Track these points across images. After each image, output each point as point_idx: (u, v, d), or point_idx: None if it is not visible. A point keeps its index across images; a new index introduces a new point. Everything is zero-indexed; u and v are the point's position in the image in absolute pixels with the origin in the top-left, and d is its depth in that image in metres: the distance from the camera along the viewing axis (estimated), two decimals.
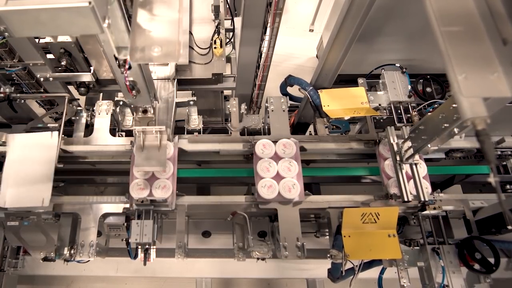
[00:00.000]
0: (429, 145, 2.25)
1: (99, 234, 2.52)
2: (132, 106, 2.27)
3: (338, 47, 2.42)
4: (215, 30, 2.87)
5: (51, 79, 2.60)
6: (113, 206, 2.53)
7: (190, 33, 2.91)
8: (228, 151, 2.69)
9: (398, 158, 2.44)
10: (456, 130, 1.91)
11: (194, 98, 2.74)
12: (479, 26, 1.31)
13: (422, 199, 2.35)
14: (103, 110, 2.77)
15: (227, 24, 3.10)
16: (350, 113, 2.62)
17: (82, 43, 2.41)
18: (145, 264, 2.47)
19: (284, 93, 3.25)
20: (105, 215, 2.54)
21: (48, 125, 2.84)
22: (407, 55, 3.10)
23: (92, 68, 2.59)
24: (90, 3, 1.16)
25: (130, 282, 3.89)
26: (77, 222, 2.58)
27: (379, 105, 2.71)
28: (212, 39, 2.85)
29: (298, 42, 4.99)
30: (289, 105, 2.84)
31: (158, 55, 1.38)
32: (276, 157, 2.56)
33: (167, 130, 2.47)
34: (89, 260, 2.57)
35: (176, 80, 2.68)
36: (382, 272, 2.48)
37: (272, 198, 2.43)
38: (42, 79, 2.61)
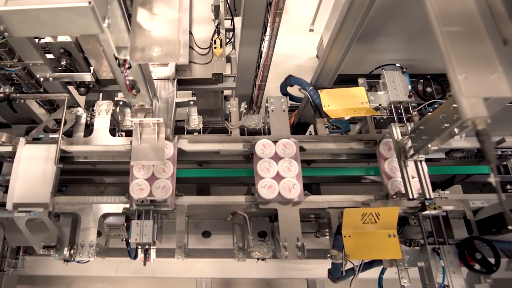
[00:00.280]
0: (429, 145, 2.25)
1: (99, 234, 2.51)
2: (132, 105, 2.27)
3: (338, 47, 2.42)
4: (215, 30, 2.87)
5: (51, 79, 2.59)
6: (113, 206, 2.52)
7: (190, 33, 2.91)
8: (228, 151, 2.69)
9: (402, 155, 2.42)
10: (456, 130, 1.91)
11: (194, 98, 2.74)
12: (480, 26, 1.31)
13: (428, 196, 2.30)
14: (103, 110, 2.77)
15: (227, 24, 3.10)
16: (350, 113, 2.62)
17: (82, 43, 2.41)
18: (145, 264, 2.47)
19: (284, 93, 3.24)
20: (105, 215, 2.54)
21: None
22: (408, 55, 3.09)
23: (92, 68, 2.58)
24: (90, 3, 1.16)
25: (130, 282, 3.89)
26: (77, 222, 2.58)
27: (379, 105, 2.71)
28: (212, 39, 2.84)
29: (298, 42, 4.99)
30: (289, 105, 2.84)
31: (158, 55, 1.38)
32: (276, 157, 2.56)
33: (167, 130, 2.47)
34: (89, 260, 2.57)
35: (176, 80, 2.68)
36: (382, 272, 2.48)
37: (272, 198, 2.43)
38: (42, 79, 2.61)
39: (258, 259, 2.52)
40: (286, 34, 4.94)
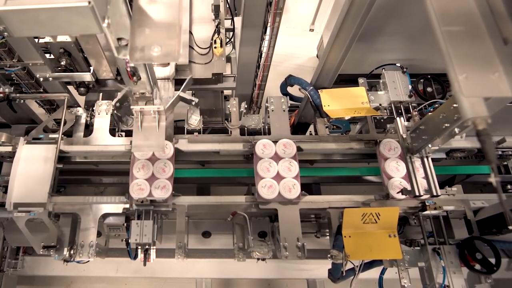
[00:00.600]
0: (429, 145, 2.25)
1: (99, 234, 2.51)
2: (133, 93, 2.25)
3: (339, 46, 2.41)
4: (215, 29, 2.86)
5: (50, 79, 2.59)
6: (113, 206, 2.52)
7: (190, 32, 2.90)
8: (228, 151, 2.69)
9: (408, 151, 2.39)
10: (456, 130, 1.91)
11: (197, 100, 2.72)
12: (480, 25, 1.31)
13: (434, 193, 2.27)
14: (103, 110, 2.76)
15: (227, 24, 3.09)
16: (351, 113, 2.62)
17: (81, 43, 2.40)
18: (145, 264, 2.47)
19: (284, 93, 3.24)
20: (105, 216, 2.53)
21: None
22: (408, 54, 3.09)
23: (91, 68, 2.58)
24: (89, 2, 1.16)
25: (130, 282, 3.88)
26: (76, 223, 2.57)
27: (380, 105, 2.70)
28: (212, 39, 2.84)
29: (299, 42, 4.99)
30: (289, 105, 2.84)
31: (158, 55, 1.37)
32: (277, 157, 2.56)
33: (167, 130, 2.47)
34: (88, 261, 2.57)
35: (174, 80, 2.67)
36: (382, 272, 2.48)
37: (272, 198, 2.43)
38: (41, 79, 2.61)
39: (258, 259, 2.51)
40: (286, 34, 4.94)
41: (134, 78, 1.99)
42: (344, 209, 2.33)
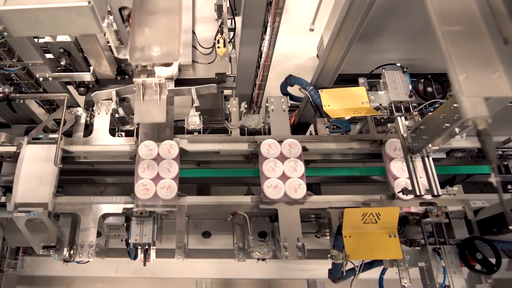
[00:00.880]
0: (430, 145, 2.24)
1: (99, 234, 2.51)
2: (135, 66, 2.25)
3: (339, 46, 2.41)
4: (218, 29, 2.85)
5: (50, 79, 2.59)
6: (112, 206, 2.52)
7: (193, 32, 2.89)
8: (230, 151, 2.68)
9: (408, 151, 2.38)
10: (457, 130, 1.91)
11: (198, 104, 2.71)
12: (480, 25, 1.31)
13: (435, 193, 2.26)
14: (103, 110, 2.76)
15: (229, 23, 3.09)
16: (351, 113, 2.62)
17: (81, 43, 2.40)
18: (145, 264, 2.47)
19: (284, 92, 3.24)
20: (105, 216, 2.53)
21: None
22: (408, 54, 3.09)
23: (91, 68, 2.58)
24: (89, 2, 1.16)
25: (130, 282, 3.88)
26: (76, 223, 2.57)
27: (380, 104, 2.70)
28: (215, 39, 2.83)
29: (299, 42, 4.98)
30: (289, 105, 2.83)
31: (158, 55, 1.37)
32: (282, 157, 2.56)
33: (167, 129, 2.46)
34: (88, 261, 2.57)
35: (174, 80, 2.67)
36: (383, 272, 2.48)
37: (278, 198, 2.42)
38: (41, 79, 2.60)
39: (258, 259, 2.51)
40: (286, 34, 4.93)
41: None
42: (344, 209, 2.33)
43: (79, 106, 2.89)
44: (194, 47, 2.83)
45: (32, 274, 3.35)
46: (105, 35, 2.28)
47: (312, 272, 3.19)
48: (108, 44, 2.42)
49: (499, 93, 1.24)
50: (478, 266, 2.26)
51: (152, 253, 2.49)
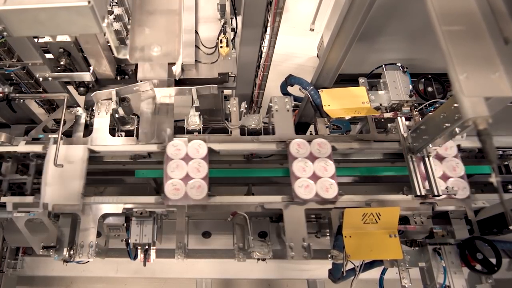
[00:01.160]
0: (430, 145, 2.24)
1: (99, 234, 2.50)
2: None
3: (339, 46, 2.41)
4: (221, 29, 2.84)
5: (50, 79, 2.59)
6: (112, 206, 2.51)
7: (196, 32, 2.88)
8: (259, 151, 2.70)
9: (409, 150, 2.40)
10: (457, 129, 1.91)
11: (198, 104, 2.71)
12: (481, 25, 1.31)
13: (436, 193, 2.28)
14: (103, 110, 2.76)
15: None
16: (351, 113, 2.62)
17: (81, 43, 2.40)
18: (145, 264, 2.47)
19: (285, 92, 3.24)
20: (105, 216, 2.53)
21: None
22: (408, 54, 3.09)
23: (91, 68, 2.58)
24: (89, 2, 1.15)
25: (129, 282, 3.88)
26: (76, 223, 2.57)
27: (380, 104, 2.70)
28: (218, 38, 2.82)
29: (299, 42, 4.98)
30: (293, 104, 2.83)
31: (158, 55, 1.37)
32: (311, 157, 2.55)
33: (167, 129, 2.45)
34: (88, 261, 2.57)
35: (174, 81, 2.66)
36: (383, 272, 2.48)
37: (309, 198, 2.42)
38: (41, 79, 2.60)
39: (258, 259, 2.51)
40: (287, 34, 4.93)
41: None
42: (345, 209, 2.32)
43: (79, 106, 2.89)
44: (197, 47, 2.81)
45: (32, 274, 3.35)
46: (105, 35, 2.30)
47: (312, 272, 3.19)
48: (108, 44, 2.44)
49: (499, 93, 1.24)
50: (478, 266, 2.26)
51: (152, 253, 2.49)
